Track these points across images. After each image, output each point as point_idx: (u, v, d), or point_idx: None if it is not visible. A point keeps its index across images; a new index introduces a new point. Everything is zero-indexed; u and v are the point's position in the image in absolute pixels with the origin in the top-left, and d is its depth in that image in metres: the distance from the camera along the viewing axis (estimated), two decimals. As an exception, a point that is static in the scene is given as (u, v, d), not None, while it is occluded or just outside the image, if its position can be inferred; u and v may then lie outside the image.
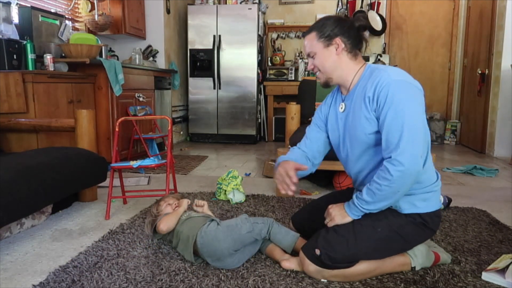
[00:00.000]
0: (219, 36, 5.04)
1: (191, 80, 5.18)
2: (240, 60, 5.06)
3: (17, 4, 3.08)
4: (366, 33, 1.57)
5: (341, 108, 1.58)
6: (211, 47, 5.06)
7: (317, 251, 1.43)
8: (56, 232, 2.00)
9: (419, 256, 1.55)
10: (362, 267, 1.46)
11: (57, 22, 3.40)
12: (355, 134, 1.50)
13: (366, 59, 5.43)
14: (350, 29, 1.51)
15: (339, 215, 1.50)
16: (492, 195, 2.76)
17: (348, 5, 5.64)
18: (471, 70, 5.01)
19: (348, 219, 1.48)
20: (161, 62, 4.75)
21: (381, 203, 1.42)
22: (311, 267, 1.46)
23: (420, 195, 1.46)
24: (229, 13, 5.00)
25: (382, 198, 1.40)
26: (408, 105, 1.35)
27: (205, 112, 5.22)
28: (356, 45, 1.53)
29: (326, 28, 1.50)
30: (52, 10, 3.47)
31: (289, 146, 2.68)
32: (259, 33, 5.12)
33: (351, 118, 1.52)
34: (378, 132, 1.43)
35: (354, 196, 1.48)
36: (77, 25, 3.99)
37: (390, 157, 1.35)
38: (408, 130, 1.33)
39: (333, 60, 1.52)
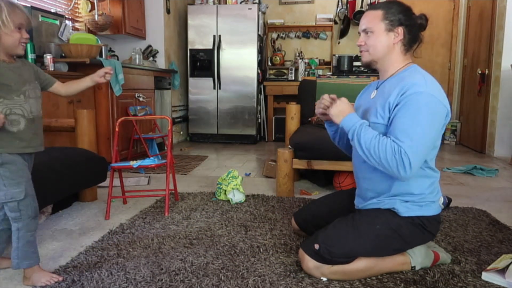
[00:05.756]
0: (219, 36, 5.04)
1: (191, 80, 5.18)
2: (240, 60, 5.06)
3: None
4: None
5: (373, 95, 1.56)
6: (211, 47, 5.06)
7: (316, 246, 1.44)
8: (56, 232, 2.00)
9: (418, 255, 1.55)
10: (361, 264, 1.47)
11: (57, 22, 3.40)
12: (365, 119, 1.50)
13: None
14: (414, 24, 1.49)
15: (337, 108, 1.47)
16: (492, 195, 2.76)
17: (348, 5, 5.64)
18: (471, 70, 5.00)
19: (339, 118, 1.46)
20: (161, 62, 4.74)
21: (360, 148, 1.40)
22: (310, 263, 1.46)
23: (414, 202, 1.47)
24: (229, 13, 5.00)
25: (366, 149, 1.38)
26: (424, 117, 1.34)
27: (205, 112, 5.22)
28: (412, 41, 1.51)
29: (394, 13, 1.47)
30: (52, 10, 3.47)
31: (289, 146, 2.68)
32: (259, 33, 5.12)
33: (371, 106, 1.51)
34: (383, 125, 1.43)
35: (360, 121, 1.43)
36: (77, 25, 3.99)
37: (401, 146, 1.33)
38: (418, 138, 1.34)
39: (387, 46, 1.48)
